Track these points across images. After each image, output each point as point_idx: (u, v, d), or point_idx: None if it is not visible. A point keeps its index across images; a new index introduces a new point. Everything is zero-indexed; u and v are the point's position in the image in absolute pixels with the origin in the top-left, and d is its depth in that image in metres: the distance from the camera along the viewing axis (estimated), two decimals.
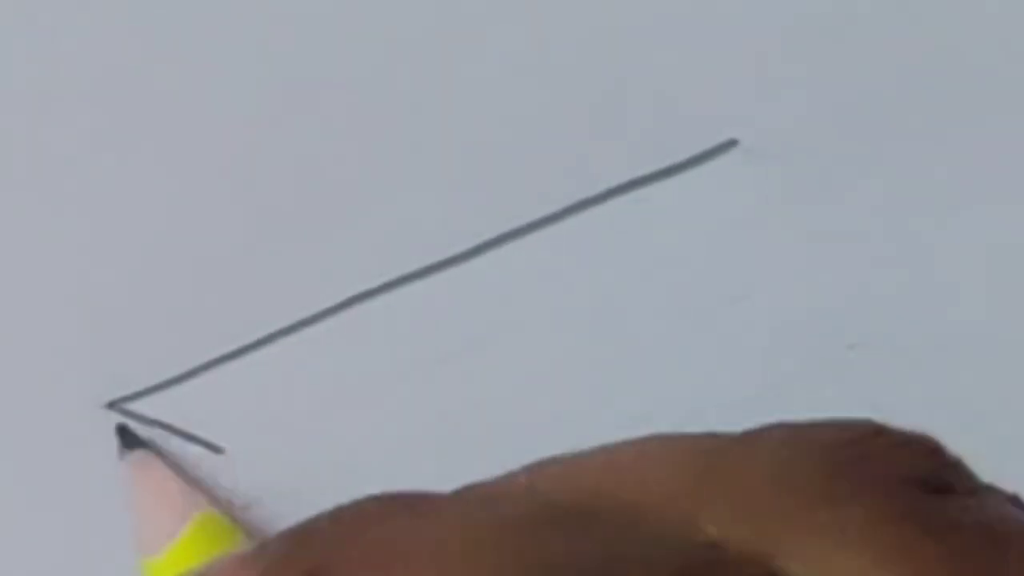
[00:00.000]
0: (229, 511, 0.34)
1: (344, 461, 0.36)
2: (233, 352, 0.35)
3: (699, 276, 0.33)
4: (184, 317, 0.35)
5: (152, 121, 0.33)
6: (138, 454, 0.34)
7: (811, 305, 0.33)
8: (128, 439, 0.34)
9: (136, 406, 0.35)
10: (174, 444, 0.35)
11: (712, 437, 0.21)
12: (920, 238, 0.33)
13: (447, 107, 0.33)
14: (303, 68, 0.33)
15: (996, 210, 0.33)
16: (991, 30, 0.32)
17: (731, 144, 0.33)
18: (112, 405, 0.35)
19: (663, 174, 0.33)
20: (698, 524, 0.19)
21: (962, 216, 0.33)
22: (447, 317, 0.34)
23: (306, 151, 0.33)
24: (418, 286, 0.34)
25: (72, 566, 0.36)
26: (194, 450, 0.35)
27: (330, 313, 0.35)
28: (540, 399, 0.35)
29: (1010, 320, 0.33)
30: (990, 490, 0.20)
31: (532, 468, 0.21)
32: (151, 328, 0.35)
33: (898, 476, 0.20)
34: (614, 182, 0.33)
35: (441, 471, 0.35)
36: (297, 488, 0.36)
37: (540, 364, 0.34)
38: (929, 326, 0.33)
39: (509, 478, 0.21)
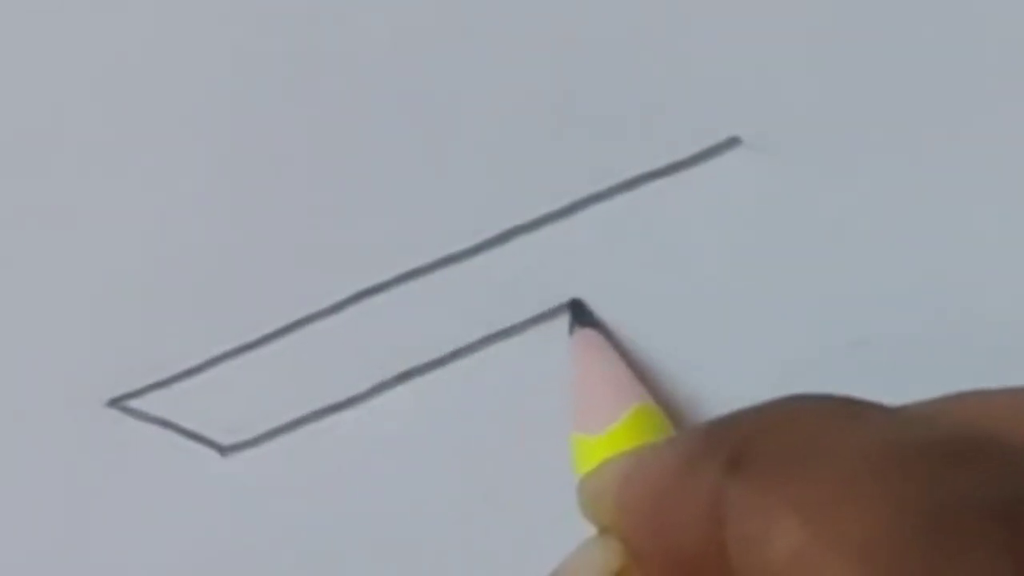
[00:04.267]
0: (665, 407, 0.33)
1: (349, 460, 0.35)
2: (236, 349, 0.35)
3: (701, 275, 0.33)
4: (186, 314, 0.35)
5: (152, 116, 0.33)
6: (587, 332, 0.33)
7: (815, 303, 0.33)
8: (580, 315, 0.33)
9: (138, 404, 0.35)
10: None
11: None
12: (927, 235, 0.33)
13: (445, 105, 0.33)
14: (302, 61, 0.33)
15: (1006, 206, 0.32)
16: (1000, 25, 0.32)
17: (733, 142, 0.33)
18: (113, 403, 0.35)
19: (663, 172, 0.33)
20: None
21: (971, 212, 0.33)
22: (451, 314, 0.34)
23: (310, 145, 0.33)
24: (423, 283, 0.34)
25: (67, 566, 0.36)
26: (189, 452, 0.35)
27: (336, 309, 0.34)
28: (539, 398, 0.34)
29: (1020, 316, 0.33)
30: None
31: (963, 396, 0.22)
32: (153, 325, 0.35)
33: None
34: (614, 180, 0.33)
35: (447, 469, 0.35)
36: (302, 487, 0.36)
37: (540, 363, 0.34)
38: (936, 323, 0.33)
39: (933, 404, 0.22)
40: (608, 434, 0.32)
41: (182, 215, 0.34)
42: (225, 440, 0.35)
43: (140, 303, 0.35)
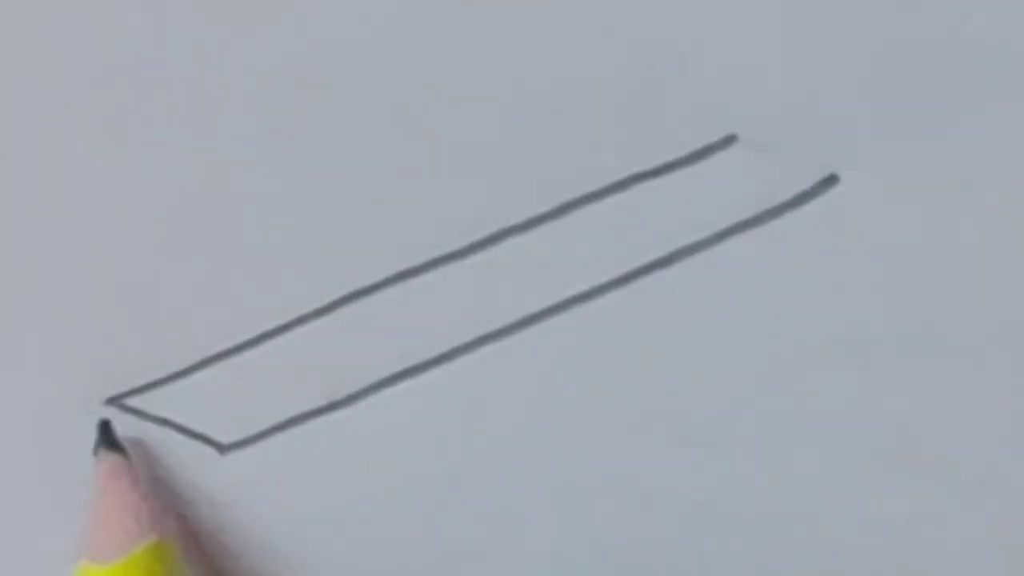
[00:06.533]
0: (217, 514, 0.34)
1: (349, 458, 0.36)
2: (235, 347, 0.35)
3: (696, 273, 0.33)
4: (185, 312, 0.35)
5: (151, 115, 0.33)
6: (114, 458, 0.34)
7: (808, 301, 0.33)
8: (108, 439, 0.34)
9: (136, 402, 0.35)
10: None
11: None
12: (922, 233, 0.33)
13: (444, 103, 0.33)
14: (300, 60, 0.33)
15: (999, 207, 0.32)
16: (1001, 25, 0.31)
17: (730, 140, 0.33)
18: (111, 401, 0.35)
19: (660, 171, 0.33)
20: None
21: (964, 212, 0.32)
22: (450, 313, 0.34)
23: (308, 143, 0.33)
24: (420, 281, 0.34)
25: (67, 565, 0.36)
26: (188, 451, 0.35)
27: (335, 307, 0.35)
28: (539, 396, 0.34)
29: (1004, 317, 0.33)
30: None
31: None
32: (151, 323, 0.35)
33: None
34: (610, 179, 0.33)
35: (447, 466, 0.35)
36: (301, 485, 0.36)
37: (537, 361, 0.34)
38: (931, 324, 0.33)
39: None
40: (119, 565, 0.33)
41: (181, 214, 0.34)
42: (224, 438, 0.36)
43: (139, 302, 0.35)
